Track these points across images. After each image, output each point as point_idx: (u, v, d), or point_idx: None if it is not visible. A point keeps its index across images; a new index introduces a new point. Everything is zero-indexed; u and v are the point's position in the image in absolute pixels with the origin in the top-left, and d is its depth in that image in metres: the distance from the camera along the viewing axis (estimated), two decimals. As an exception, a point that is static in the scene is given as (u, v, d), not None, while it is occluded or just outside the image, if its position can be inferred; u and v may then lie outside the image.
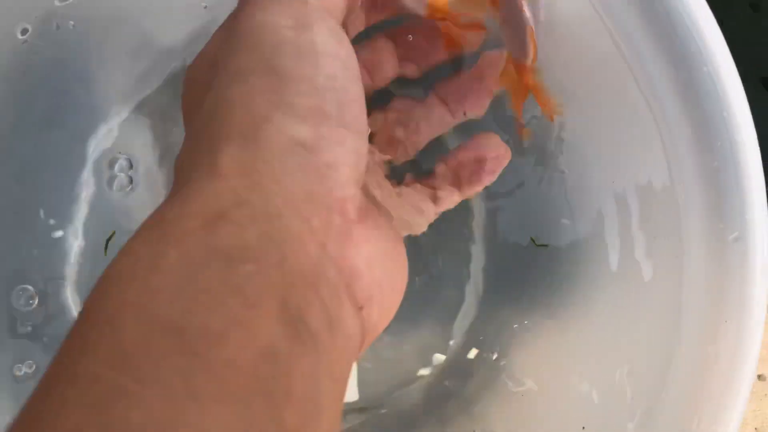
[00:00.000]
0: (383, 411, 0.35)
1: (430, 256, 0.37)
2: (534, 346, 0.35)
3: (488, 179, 0.32)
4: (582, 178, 0.35)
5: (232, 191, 0.19)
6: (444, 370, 0.36)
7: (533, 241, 0.36)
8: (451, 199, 0.32)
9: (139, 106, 0.36)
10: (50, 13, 0.32)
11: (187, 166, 0.20)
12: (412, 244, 0.36)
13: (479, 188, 0.32)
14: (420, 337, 0.36)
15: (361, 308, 0.20)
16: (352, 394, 0.35)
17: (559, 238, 0.36)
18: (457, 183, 0.32)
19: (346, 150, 0.21)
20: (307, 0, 0.23)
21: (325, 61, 0.22)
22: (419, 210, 0.31)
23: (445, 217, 0.36)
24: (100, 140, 0.35)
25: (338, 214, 0.20)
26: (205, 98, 0.22)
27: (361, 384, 0.35)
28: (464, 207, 0.37)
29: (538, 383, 0.35)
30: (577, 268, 0.35)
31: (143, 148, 0.36)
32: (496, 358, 0.36)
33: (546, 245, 0.36)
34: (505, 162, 0.32)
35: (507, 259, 0.37)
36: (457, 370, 0.36)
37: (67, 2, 0.32)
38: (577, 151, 0.36)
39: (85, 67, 0.34)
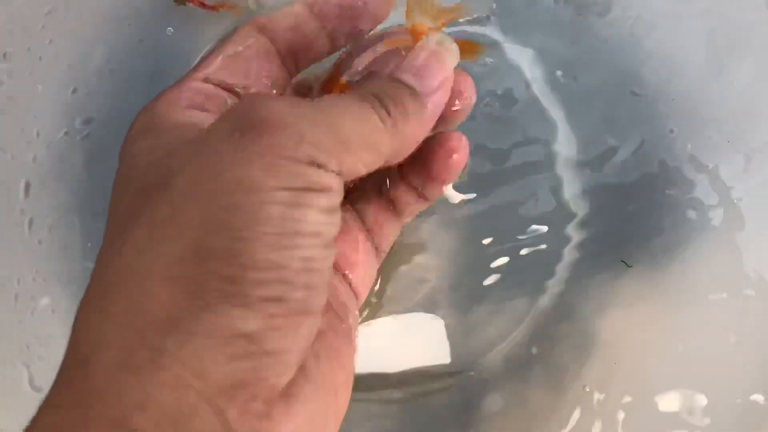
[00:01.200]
0: (471, 374, 0.35)
1: (520, 222, 0.36)
2: (627, 312, 0.34)
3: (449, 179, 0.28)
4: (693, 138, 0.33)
5: (140, 388, 0.17)
6: (531, 336, 0.35)
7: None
8: (415, 207, 0.29)
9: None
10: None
11: (97, 338, 0.19)
12: (504, 209, 0.35)
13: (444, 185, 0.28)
14: (508, 302, 0.35)
15: None
16: (444, 356, 0.35)
17: (661, 204, 0.34)
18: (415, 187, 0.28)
19: (297, 337, 0.19)
20: (311, 158, 0.19)
21: (307, 243, 0.19)
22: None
23: (533, 184, 0.35)
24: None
25: (262, 401, 0.19)
26: (133, 227, 0.20)
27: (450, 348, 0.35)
28: (553, 169, 0.35)
29: (628, 350, 0.34)
30: (677, 233, 0.34)
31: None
32: (586, 325, 0.34)
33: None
34: (465, 155, 0.27)
35: (601, 224, 0.35)
36: (545, 335, 0.35)
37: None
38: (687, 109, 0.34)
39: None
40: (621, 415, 0.32)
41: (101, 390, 0.18)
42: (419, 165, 0.27)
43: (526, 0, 0.36)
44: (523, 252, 0.35)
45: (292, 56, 0.26)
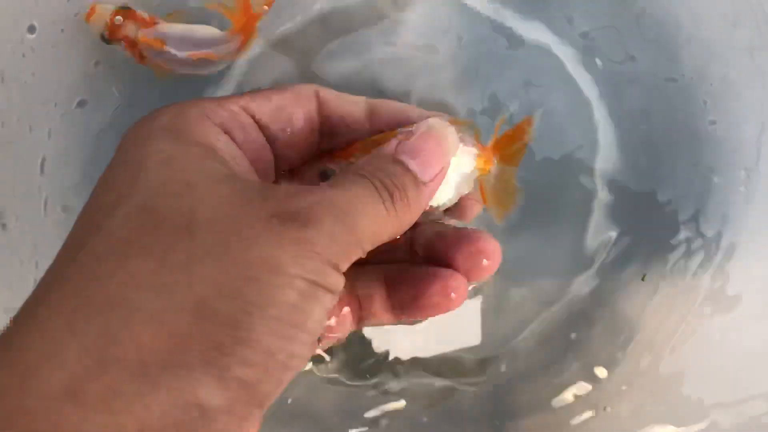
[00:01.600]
0: (502, 357, 0.35)
1: (552, 202, 0.36)
2: (660, 301, 0.35)
3: (434, 315, 0.26)
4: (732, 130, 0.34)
5: (77, 425, 0.17)
6: (564, 320, 0.35)
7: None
8: (378, 322, 0.28)
9: (279, 40, 0.35)
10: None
11: (51, 350, 0.18)
12: (534, 192, 0.35)
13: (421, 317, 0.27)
14: (541, 285, 0.36)
15: None
16: (474, 337, 0.35)
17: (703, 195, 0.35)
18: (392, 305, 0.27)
19: (242, 427, 0.19)
20: (334, 260, 0.20)
21: (302, 338, 0.20)
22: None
23: (566, 170, 0.35)
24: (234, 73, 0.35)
25: None
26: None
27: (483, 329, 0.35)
28: (590, 152, 0.36)
29: (661, 340, 0.34)
30: (717, 226, 0.35)
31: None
32: (620, 309, 0.35)
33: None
34: (463, 297, 0.26)
35: (636, 212, 0.36)
36: (579, 318, 0.35)
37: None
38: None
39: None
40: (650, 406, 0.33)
41: (35, 411, 0.17)
42: (411, 291, 0.26)
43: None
44: (555, 231, 0.36)
45: (328, 135, 0.27)
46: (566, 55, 0.35)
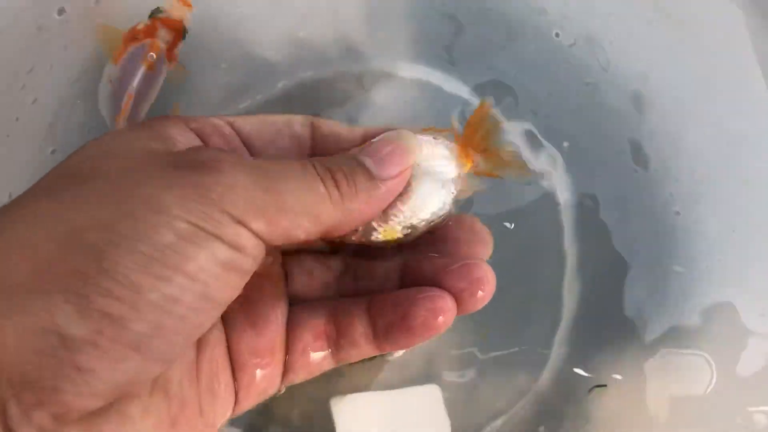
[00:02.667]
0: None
1: (521, 299, 0.35)
2: (631, 394, 0.34)
3: (419, 339, 0.24)
4: (698, 222, 0.33)
5: None
6: (535, 412, 0.34)
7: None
8: (358, 352, 0.26)
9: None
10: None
11: None
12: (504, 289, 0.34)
13: (404, 347, 0.25)
14: (511, 375, 0.35)
15: None
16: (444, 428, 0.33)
17: (668, 281, 0.34)
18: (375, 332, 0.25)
19: (115, 369, 0.18)
20: (235, 213, 0.20)
21: (180, 282, 0.19)
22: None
23: (534, 258, 0.34)
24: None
25: (50, 414, 0.18)
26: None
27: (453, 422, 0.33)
28: (556, 246, 0.35)
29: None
30: (680, 314, 0.34)
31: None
32: (589, 400, 0.34)
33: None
34: (450, 321, 0.24)
35: (602, 305, 0.35)
36: (550, 411, 0.34)
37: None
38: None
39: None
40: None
41: None
42: (396, 312, 0.24)
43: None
44: (525, 321, 0.35)
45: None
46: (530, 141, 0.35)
